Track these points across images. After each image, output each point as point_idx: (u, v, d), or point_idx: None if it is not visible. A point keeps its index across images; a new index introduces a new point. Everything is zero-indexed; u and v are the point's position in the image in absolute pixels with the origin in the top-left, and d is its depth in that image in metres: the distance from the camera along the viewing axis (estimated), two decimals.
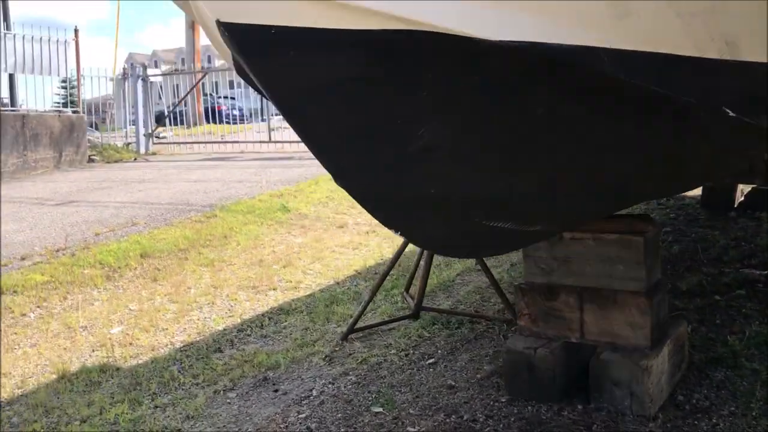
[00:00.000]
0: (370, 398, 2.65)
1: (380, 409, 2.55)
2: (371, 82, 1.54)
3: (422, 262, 3.50)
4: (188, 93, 14.36)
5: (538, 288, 2.52)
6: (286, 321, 3.70)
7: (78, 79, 12.16)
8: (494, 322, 3.34)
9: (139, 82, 12.96)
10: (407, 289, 3.83)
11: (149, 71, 14.18)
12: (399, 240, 5.43)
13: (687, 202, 6.04)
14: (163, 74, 17.23)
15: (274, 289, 4.30)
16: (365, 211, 1.96)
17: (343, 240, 5.47)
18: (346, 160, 1.74)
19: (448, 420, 2.42)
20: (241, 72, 1.94)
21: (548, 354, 2.43)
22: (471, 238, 2.15)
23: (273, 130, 11.73)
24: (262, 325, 3.66)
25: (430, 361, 2.96)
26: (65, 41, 11.65)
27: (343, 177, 1.76)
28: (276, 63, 1.48)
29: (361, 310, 3.37)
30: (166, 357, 3.32)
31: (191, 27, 19.18)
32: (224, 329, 3.65)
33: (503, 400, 2.50)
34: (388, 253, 4.94)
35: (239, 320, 3.77)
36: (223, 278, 4.59)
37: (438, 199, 1.83)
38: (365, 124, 1.63)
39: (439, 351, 3.06)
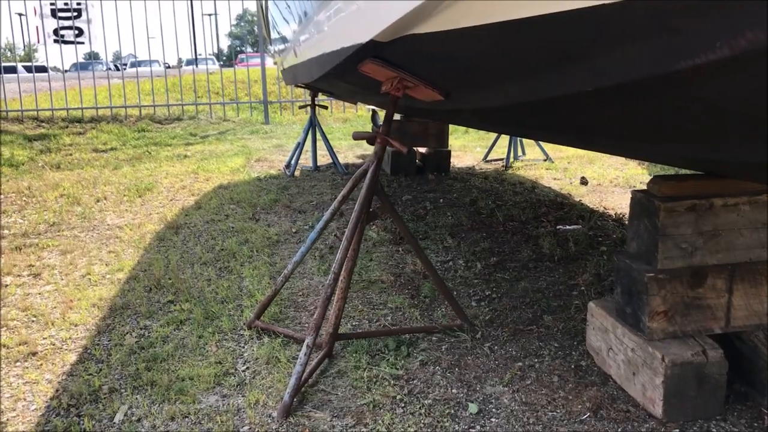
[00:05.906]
0: None
1: None
2: None
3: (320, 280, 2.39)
4: None
5: (680, 274, 1.93)
6: (113, 405, 2.05)
7: None
8: (445, 332, 2.52)
9: None
10: (258, 318, 2.61)
11: None
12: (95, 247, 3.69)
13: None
14: None
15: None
16: None
17: None
18: None
19: None
20: None
21: (720, 357, 1.89)
22: None
23: None
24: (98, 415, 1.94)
25: (471, 410, 2.02)
26: None
27: None
28: None
29: (302, 370, 2.08)
30: None
31: None
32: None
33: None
34: (101, 270, 3.34)
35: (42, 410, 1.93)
36: None
37: None
38: None
39: (453, 389, 2.12)
